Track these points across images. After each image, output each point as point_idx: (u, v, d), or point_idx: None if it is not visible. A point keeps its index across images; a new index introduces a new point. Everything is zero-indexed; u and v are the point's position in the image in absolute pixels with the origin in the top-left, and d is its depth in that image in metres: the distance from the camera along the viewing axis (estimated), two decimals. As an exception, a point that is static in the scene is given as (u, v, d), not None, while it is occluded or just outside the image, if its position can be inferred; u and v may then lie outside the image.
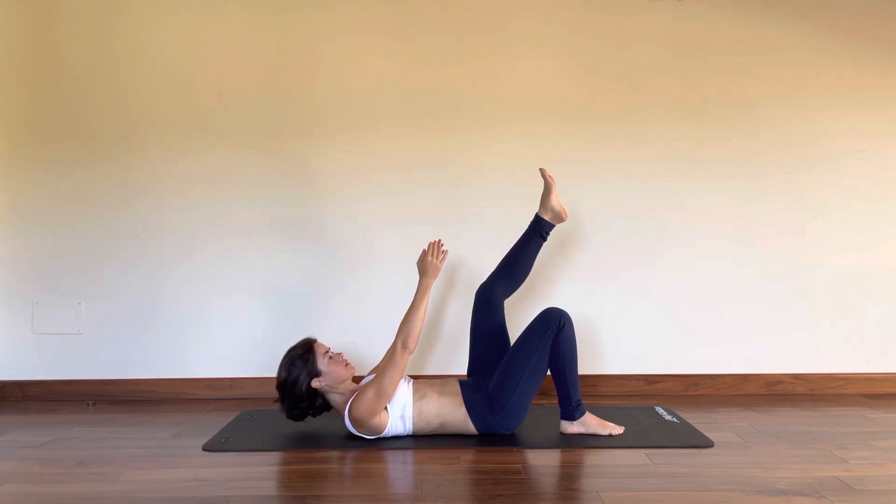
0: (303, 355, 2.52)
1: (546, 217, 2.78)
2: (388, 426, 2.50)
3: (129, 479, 2.19)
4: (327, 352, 2.56)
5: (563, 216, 2.79)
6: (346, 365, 2.56)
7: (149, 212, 3.29)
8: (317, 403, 2.54)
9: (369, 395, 2.46)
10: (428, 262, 2.60)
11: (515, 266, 2.78)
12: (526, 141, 3.30)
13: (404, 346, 2.49)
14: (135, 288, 3.29)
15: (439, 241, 2.65)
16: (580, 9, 3.32)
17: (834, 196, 3.33)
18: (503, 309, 2.77)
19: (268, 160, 3.29)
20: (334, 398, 2.55)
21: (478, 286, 2.83)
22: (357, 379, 2.74)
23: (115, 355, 3.28)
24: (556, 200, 2.76)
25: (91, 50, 3.28)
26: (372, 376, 2.65)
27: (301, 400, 2.52)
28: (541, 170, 2.79)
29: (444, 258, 2.62)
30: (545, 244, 2.85)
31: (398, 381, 2.49)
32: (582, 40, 3.32)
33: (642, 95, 3.31)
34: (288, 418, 2.58)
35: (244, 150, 3.29)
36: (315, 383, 2.50)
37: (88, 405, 3.16)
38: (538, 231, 2.78)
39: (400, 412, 2.51)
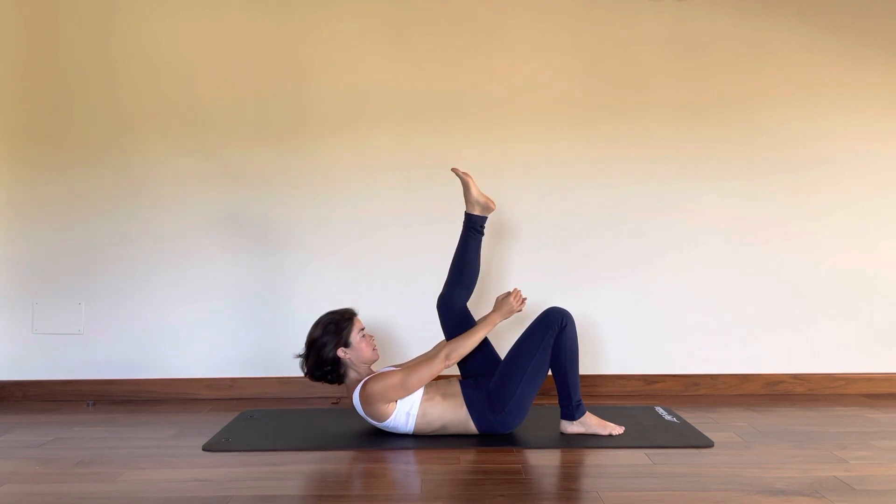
0: (339, 322, 2.57)
1: (475, 212, 2.75)
2: (392, 417, 2.52)
3: (129, 479, 2.19)
4: (363, 329, 2.61)
5: (492, 205, 2.76)
6: (374, 349, 2.61)
7: (149, 212, 3.29)
8: (339, 371, 2.57)
9: (394, 379, 2.49)
10: (509, 303, 2.63)
11: (465, 267, 2.76)
12: (526, 141, 3.30)
13: (447, 357, 2.54)
14: (135, 288, 3.29)
15: (519, 291, 2.66)
16: (580, 9, 3.32)
17: (834, 196, 3.33)
18: (468, 311, 2.75)
19: (267, 160, 3.29)
20: (351, 374, 2.58)
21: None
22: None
23: (115, 355, 3.28)
24: (478, 192, 2.74)
25: (90, 50, 3.29)
26: (387, 368, 2.65)
27: (324, 363, 2.55)
28: (453, 169, 2.77)
29: (522, 305, 2.65)
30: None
31: (425, 383, 2.53)
32: (582, 40, 3.32)
33: (642, 95, 3.32)
34: (305, 375, 2.61)
35: (244, 149, 3.29)
36: (340, 352, 2.54)
37: (88, 405, 3.16)
38: (473, 227, 2.76)
39: (407, 408, 2.52)
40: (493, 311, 2.65)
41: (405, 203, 3.30)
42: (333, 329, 2.55)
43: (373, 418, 2.54)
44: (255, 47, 3.29)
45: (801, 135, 3.33)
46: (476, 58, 3.30)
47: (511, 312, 2.64)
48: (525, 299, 2.67)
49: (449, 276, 2.77)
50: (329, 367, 2.56)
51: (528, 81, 3.31)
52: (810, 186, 3.33)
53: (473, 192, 2.73)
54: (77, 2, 3.28)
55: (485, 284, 3.20)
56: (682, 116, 3.32)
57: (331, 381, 2.61)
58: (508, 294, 2.66)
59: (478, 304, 2.89)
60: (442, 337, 2.75)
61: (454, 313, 2.72)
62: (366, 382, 2.51)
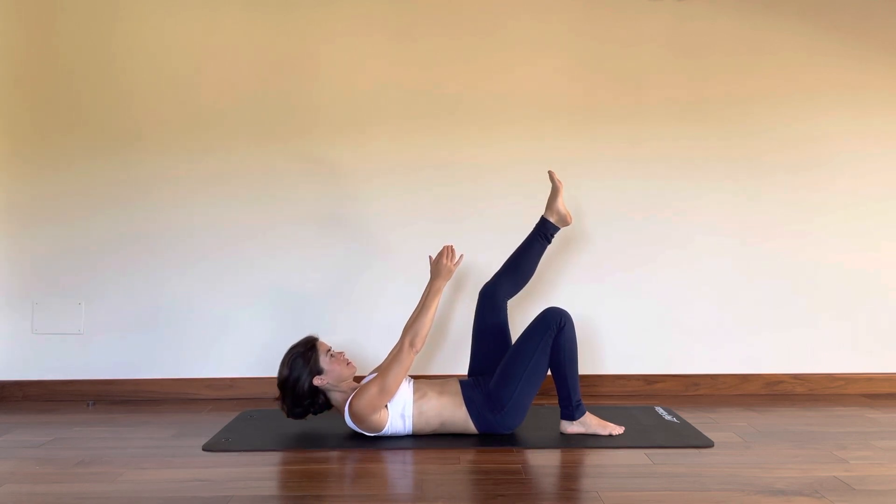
0: (304, 353, 2.53)
1: (552, 219, 2.81)
2: (388, 424, 2.51)
3: (129, 479, 2.19)
4: (329, 350, 2.57)
5: (569, 220, 2.82)
6: (348, 364, 2.57)
7: (149, 211, 3.29)
8: (318, 401, 2.55)
9: (372, 390, 2.46)
10: (443, 264, 2.63)
11: (519, 267, 2.81)
12: (526, 140, 3.30)
13: (411, 345, 2.49)
14: (135, 288, 3.29)
15: (452, 246, 2.67)
16: (580, 8, 3.32)
17: (834, 196, 3.33)
18: (506, 309, 2.78)
19: (267, 160, 3.29)
20: (335, 396, 2.56)
21: (479, 286, 2.83)
22: (358, 378, 2.75)
23: (115, 355, 3.28)
24: (562, 204, 2.80)
25: (91, 50, 3.28)
26: (374, 375, 2.65)
27: (303, 398, 2.52)
28: (549, 172, 2.82)
29: (458, 262, 2.65)
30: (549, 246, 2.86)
31: (402, 379, 2.49)
32: (582, 40, 3.32)
33: (642, 95, 3.32)
34: (288, 416, 2.59)
35: (244, 149, 3.29)
36: (317, 381, 2.51)
37: (88, 405, 3.16)
38: (543, 233, 2.81)
39: (400, 410, 2.51)
40: (432, 278, 2.63)
41: (406, 203, 3.29)
42: (301, 362, 2.51)
43: (371, 432, 2.53)
44: (256, 47, 3.29)
45: (801, 135, 3.33)
46: (476, 58, 3.30)
47: (450, 272, 2.62)
48: (461, 255, 2.67)
49: (502, 268, 2.82)
50: (309, 401, 2.53)
51: (528, 81, 3.31)
52: (810, 186, 3.33)
53: (559, 200, 2.79)
54: (77, 2, 3.28)
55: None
56: (682, 116, 3.32)
57: (316, 412, 2.58)
58: (440, 255, 2.64)
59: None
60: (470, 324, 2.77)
61: (495, 305, 2.74)
62: (350, 404, 2.48)
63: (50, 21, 3.28)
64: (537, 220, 2.86)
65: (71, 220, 3.28)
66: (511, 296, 2.81)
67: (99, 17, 3.29)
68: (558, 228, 2.83)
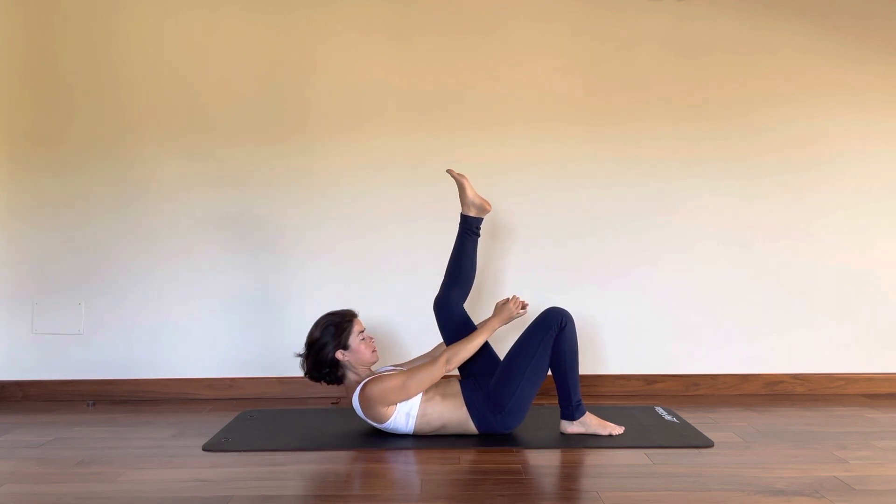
0: (339, 324, 2.57)
1: (471, 213, 2.76)
2: (392, 419, 2.51)
3: (129, 479, 2.19)
4: (363, 331, 2.61)
5: (487, 207, 2.76)
6: (374, 351, 2.61)
7: (149, 212, 3.29)
8: (336, 374, 2.58)
9: (393, 382, 2.48)
10: (509, 309, 2.65)
11: (462, 269, 2.76)
12: (526, 140, 3.30)
13: (448, 362, 2.53)
14: (135, 288, 3.29)
15: (521, 299, 2.68)
16: (580, 9, 3.32)
17: (834, 196, 3.33)
18: (463, 311, 2.75)
19: (267, 160, 3.29)
20: (350, 376, 2.58)
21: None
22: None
23: (115, 355, 3.28)
24: (474, 194, 2.75)
25: (90, 50, 3.28)
26: (386, 369, 2.66)
27: (323, 365, 2.56)
28: (448, 171, 2.78)
29: (521, 314, 2.67)
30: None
31: (425, 388, 2.52)
32: (582, 40, 3.32)
33: (642, 95, 3.32)
34: (305, 375, 2.62)
35: (244, 149, 3.29)
36: (339, 355, 2.54)
37: (88, 405, 3.16)
38: (468, 229, 2.76)
39: (406, 409, 2.52)
40: (493, 316, 2.66)
41: (405, 202, 3.29)
42: (333, 331, 2.55)
43: (373, 420, 2.54)
44: (255, 47, 3.29)
45: (801, 135, 3.33)
46: (476, 58, 3.30)
47: (511, 318, 2.65)
48: (526, 304, 2.68)
49: (445, 277, 2.77)
50: (328, 370, 2.57)
51: (527, 81, 3.30)
52: (810, 186, 3.33)
53: (469, 193, 2.74)
54: (77, 2, 3.28)
55: (483, 286, 3.21)
56: (682, 116, 3.32)
57: (329, 382, 2.61)
58: (507, 300, 2.67)
59: (475, 306, 2.89)
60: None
61: (451, 315, 2.72)
62: (365, 385, 2.50)
63: (50, 21, 3.28)
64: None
65: (71, 220, 3.28)
66: (463, 300, 2.76)
67: (98, 18, 3.29)
68: (482, 219, 2.78)
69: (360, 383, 2.53)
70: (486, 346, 2.70)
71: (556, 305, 2.62)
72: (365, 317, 3.25)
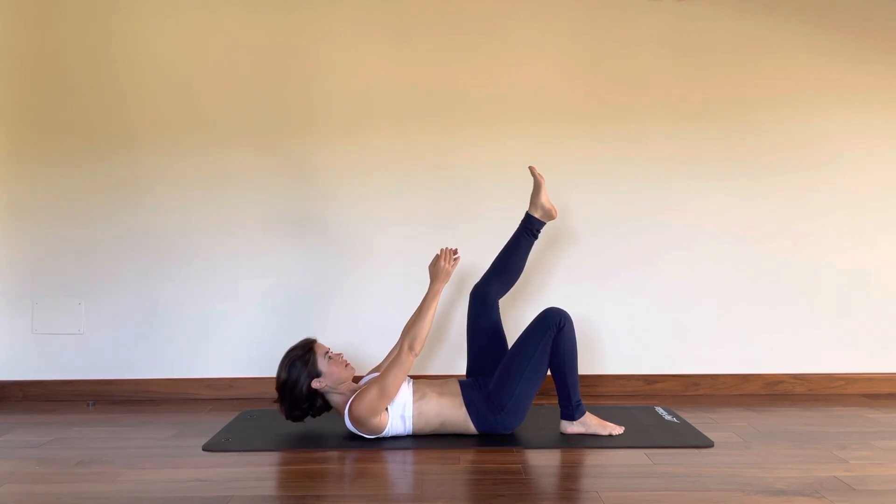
0: (303, 356, 2.52)
1: (536, 215, 2.78)
2: (389, 426, 2.50)
3: (129, 479, 2.19)
4: (327, 352, 2.56)
5: (554, 213, 2.79)
6: (346, 365, 2.56)
7: (149, 212, 3.29)
8: (317, 404, 2.54)
9: (372, 394, 2.46)
10: (440, 266, 2.63)
11: (508, 265, 2.79)
12: (526, 141, 3.30)
13: (410, 349, 2.49)
14: (135, 288, 3.29)
15: (452, 248, 2.67)
16: (580, 8, 3.32)
17: (834, 196, 3.33)
18: (498, 308, 2.78)
19: (268, 160, 3.29)
20: (334, 398, 2.55)
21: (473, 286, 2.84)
22: (356, 379, 2.74)
23: (115, 355, 3.28)
24: (546, 198, 2.77)
25: (91, 50, 3.29)
26: (372, 375, 2.66)
27: (301, 401, 2.51)
28: (530, 168, 2.80)
29: (455, 264, 2.65)
30: (538, 242, 2.85)
31: (401, 382, 2.49)
32: (582, 40, 3.32)
33: (642, 95, 3.31)
34: (287, 419, 2.58)
35: (244, 149, 3.29)
36: (315, 384, 2.50)
37: (88, 405, 3.16)
38: (529, 229, 2.79)
39: (400, 412, 2.51)
40: (431, 281, 2.64)
41: (406, 203, 3.29)
42: (300, 365, 2.50)
43: (372, 434, 2.52)
44: (256, 47, 3.29)
45: (801, 135, 3.33)
46: (476, 58, 3.30)
47: (448, 274, 2.63)
48: (456, 255, 2.65)
49: (491, 268, 2.79)
50: (307, 404, 2.52)
51: (528, 81, 3.30)
52: (810, 186, 3.33)
53: (542, 196, 2.76)
54: (77, 2, 3.28)
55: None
56: (683, 116, 3.32)
57: (315, 415, 2.57)
58: (437, 257, 2.65)
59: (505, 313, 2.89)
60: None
61: (486, 305, 2.73)
62: (350, 407, 2.48)
63: (50, 21, 3.28)
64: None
65: (71, 220, 3.28)
66: (501, 295, 2.79)
67: (98, 18, 3.29)
68: (544, 223, 2.80)
69: (346, 402, 2.51)
70: (484, 345, 2.70)
71: (554, 306, 2.62)
72: (366, 317, 3.26)
